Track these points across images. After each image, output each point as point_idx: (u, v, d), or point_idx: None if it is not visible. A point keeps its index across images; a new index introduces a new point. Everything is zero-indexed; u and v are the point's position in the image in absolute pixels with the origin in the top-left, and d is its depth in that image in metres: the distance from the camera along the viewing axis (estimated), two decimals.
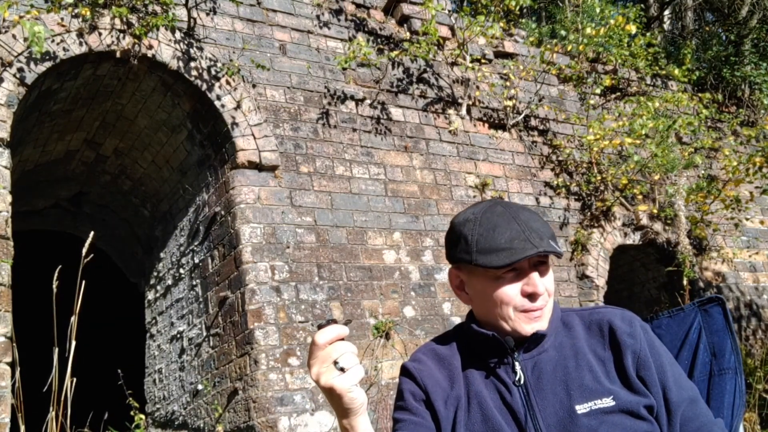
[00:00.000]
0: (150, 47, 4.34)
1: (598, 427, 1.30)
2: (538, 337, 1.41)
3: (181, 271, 5.17)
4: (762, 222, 6.79)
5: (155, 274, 5.72)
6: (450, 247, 1.47)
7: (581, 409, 1.32)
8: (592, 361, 1.39)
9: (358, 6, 5.52)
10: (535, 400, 1.35)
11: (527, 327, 1.38)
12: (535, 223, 1.38)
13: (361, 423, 1.27)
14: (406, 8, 5.67)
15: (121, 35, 4.26)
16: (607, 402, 1.32)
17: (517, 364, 1.39)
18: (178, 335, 5.16)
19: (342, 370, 1.21)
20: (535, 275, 1.37)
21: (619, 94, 6.82)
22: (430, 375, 1.44)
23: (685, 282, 5.91)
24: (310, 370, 1.24)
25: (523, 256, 1.32)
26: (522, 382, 1.38)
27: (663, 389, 1.36)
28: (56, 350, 2.76)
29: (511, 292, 1.38)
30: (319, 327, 1.24)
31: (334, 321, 1.24)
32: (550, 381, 1.37)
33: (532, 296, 1.37)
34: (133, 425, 4.54)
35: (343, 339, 1.24)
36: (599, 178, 5.93)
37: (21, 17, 3.86)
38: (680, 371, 1.44)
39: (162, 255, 5.57)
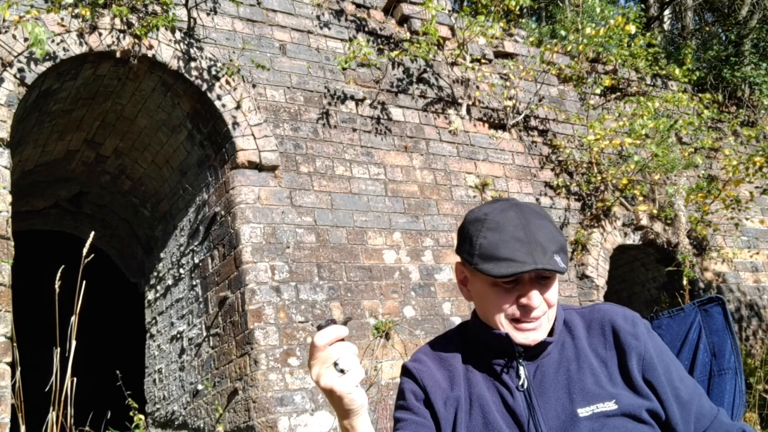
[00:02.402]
0: (150, 47, 4.34)
1: (600, 430, 1.29)
2: (543, 345, 1.40)
3: (181, 271, 5.17)
4: (762, 222, 6.79)
5: (155, 274, 5.72)
6: (458, 241, 1.46)
7: (583, 412, 1.32)
8: (593, 362, 1.39)
9: (358, 6, 5.52)
10: (537, 404, 1.35)
11: (519, 336, 1.37)
12: (545, 234, 1.34)
13: (362, 423, 1.26)
14: (406, 8, 5.67)
15: (121, 35, 4.26)
16: (610, 405, 1.32)
17: (521, 368, 1.38)
18: (178, 335, 5.16)
19: (342, 371, 1.20)
20: (534, 292, 1.34)
21: (619, 94, 6.82)
22: (431, 375, 1.44)
23: (685, 282, 5.91)
24: (310, 371, 1.23)
25: (521, 270, 1.30)
26: (525, 386, 1.37)
27: (673, 389, 1.36)
28: (57, 350, 2.76)
29: (505, 301, 1.36)
30: (319, 328, 1.23)
31: (333, 321, 1.23)
32: (552, 384, 1.37)
33: (525, 308, 1.35)
34: (132, 425, 4.54)
35: (342, 339, 1.23)
36: (599, 178, 5.93)
37: (21, 17, 3.86)
38: (682, 368, 1.44)
39: (162, 255, 5.57)
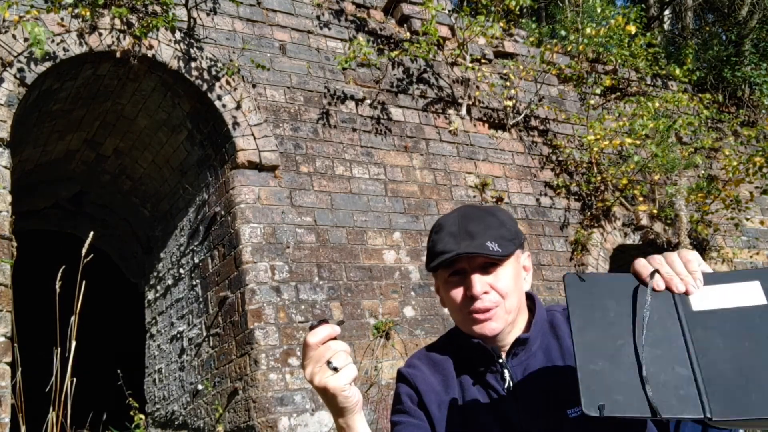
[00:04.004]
0: (150, 47, 4.34)
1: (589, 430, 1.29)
2: (520, 342, 1.40)
3: (181, 271, 5.17)
4: (762, 222, 6.79)
5: (155, 274, 5.73)
6: None
7: (572, 413, 1.31)
8: None
9: (358, 6, 5.52)
10: (526, 407, 1.35)
11: (476, 329, 1.38)
12: (480, 226, 1.38)
13: (357, 421, 1.27)
14: (406, 8, 5.67)
15: (121, 35, 4.26)
16: None
17: (505, 371, 1.39)
18: (178, 335, 5.16)
19: (335, 369, 1.21)
20: (474, 276, 1.36)
21: (619, 94, 6.82)
22: (424, 380, 1.45)
23: None
24: (303, 371, 1.25)
25: (444, 259, 1.35)
26: (511, 389, 1.38)
27: None
28: (57, 350, 2.76)
29: (456, 295, 1.39)
30: (311, 328, 1.24)
31: (325, 321, 1.25)
32: (540, 386, 1.37)
33: (472, 299, 1.37)
34: (132, 425, 4.54)
35: (335, 338, 1.24)
36: (599, 178, 5.93)
37: (21, 17, 3.86)
38: None
39: (162, 255, 5.57)
